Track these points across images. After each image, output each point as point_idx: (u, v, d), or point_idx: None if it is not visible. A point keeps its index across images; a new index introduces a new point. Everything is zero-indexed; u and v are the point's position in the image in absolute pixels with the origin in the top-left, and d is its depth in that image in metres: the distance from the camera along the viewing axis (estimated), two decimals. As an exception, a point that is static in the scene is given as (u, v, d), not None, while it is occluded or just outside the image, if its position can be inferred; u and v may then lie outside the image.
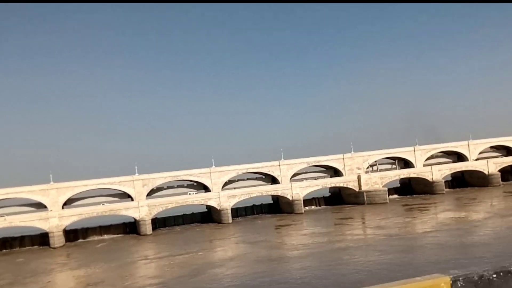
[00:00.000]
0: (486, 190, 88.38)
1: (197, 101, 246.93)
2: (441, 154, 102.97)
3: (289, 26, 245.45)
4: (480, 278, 5.06)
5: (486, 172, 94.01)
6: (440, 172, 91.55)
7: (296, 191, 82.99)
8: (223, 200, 78.77)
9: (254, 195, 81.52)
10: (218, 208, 78.58)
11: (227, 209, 77.56)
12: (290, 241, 54.45)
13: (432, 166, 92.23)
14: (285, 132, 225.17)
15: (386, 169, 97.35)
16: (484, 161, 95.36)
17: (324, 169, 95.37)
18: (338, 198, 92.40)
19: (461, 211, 64.06)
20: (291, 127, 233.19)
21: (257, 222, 77.16)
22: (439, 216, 63.10)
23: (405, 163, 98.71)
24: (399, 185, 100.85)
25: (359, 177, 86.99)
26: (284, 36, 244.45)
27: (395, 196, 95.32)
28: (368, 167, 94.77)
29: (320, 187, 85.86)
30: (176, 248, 56.94)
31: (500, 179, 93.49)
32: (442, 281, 5.00)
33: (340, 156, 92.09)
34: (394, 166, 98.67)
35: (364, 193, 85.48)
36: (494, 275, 5.09)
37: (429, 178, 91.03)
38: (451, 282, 5.00)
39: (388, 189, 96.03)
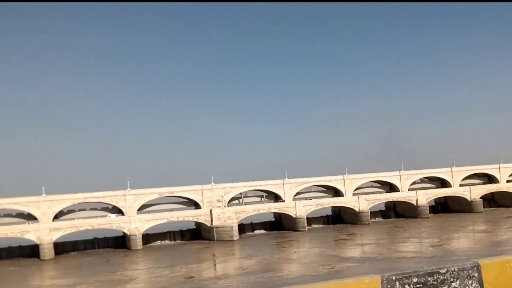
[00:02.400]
0: (352, 227, 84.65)
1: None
2: (316, 188, 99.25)
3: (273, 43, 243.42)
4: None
5: (357, 209, 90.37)
6: (305, 208, 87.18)
7: (135, 224, 76.50)
8: (44, 233, 71.38)
9: (83, 228, 74.47)
10: (37, 242, 71.16)
11: (43, 244, 70.11)
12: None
13: (296, 202, 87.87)
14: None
15: (253, 202, 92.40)
16: (356, 196, 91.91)
17: (186, 200, 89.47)
18: (198, 233, 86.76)
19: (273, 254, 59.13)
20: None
21: (80, 259, 70.00)
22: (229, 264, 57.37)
23: (276, 197, 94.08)
24: (273, 219, 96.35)
25: (211, 211, 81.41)
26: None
27: (262, 231, 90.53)
28: (230, 200, 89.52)
29: (164, 221, 79.63)
30: None
31: (368, 216, 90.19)
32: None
33: (199, 187, 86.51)
34: (263, 199, 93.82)
35: (214, 229, 79.93)
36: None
37: (292, 214, 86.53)
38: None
39: (256, 224, 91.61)
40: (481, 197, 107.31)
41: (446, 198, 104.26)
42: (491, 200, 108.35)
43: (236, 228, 79.19)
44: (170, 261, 62.45)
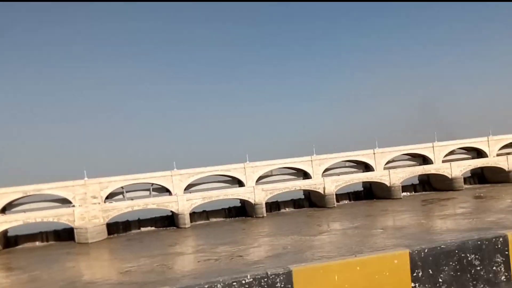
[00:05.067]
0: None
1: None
2: (218, 177, 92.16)
3: (292, 18, 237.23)
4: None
5: (252, 201, 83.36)
6: (189, 202, 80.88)
7: (-16, 228, 72.04)
8: None
9: None
10: None
11: None
12: None
13: (179, 196, 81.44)
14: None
15: (140, 197, 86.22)
16: (251, 187, 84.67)
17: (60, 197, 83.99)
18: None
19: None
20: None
21: None
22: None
23: (168, 190, 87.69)
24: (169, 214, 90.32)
25: (74, 210, 76.10)
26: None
27: (151, 228, 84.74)
28: (110, 196, 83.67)
29: (20, 222, 74.70)
30: None
31: (263, 209, 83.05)
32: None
33: (70, 183, 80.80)
34: (152, 193, 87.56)
35: (75, 230, 74.77)
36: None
37: (174, 209, 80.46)
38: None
39: (145, 220, 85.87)
40: (418, 181, 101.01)
41: (371, 184, 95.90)
42: (426, 183, 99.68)
43: (98, 229, 74.22)
44: None
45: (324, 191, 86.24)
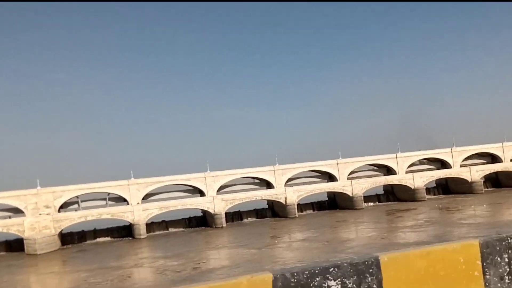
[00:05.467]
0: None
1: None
2: (178, 187, 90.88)
3: (282, 27, 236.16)
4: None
5: (212, 211, 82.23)
6: (145, 212, 79.28)
7: None
8: None
9: None
10: None
11: None
12: None
13: (134, 206, 79.83)
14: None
15: (95, 206, 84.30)
16: (211, 197, 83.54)
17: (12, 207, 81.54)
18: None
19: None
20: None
21: None
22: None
23: (125, 200, 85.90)
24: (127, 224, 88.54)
25: (24, 221, 73.84)
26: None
27: (107, 238, 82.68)
28: (64, 205, 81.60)
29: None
30: None
31: (222, 219, 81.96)
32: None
33: (22, 192, 78.53)
34: (108, 202, 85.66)
35: (24, 241, 72.49)
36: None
37: (130, 219, 78.77)
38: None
39: (101, 231, 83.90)
40: (383, 191, 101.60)
41: (335, 194, 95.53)
42: (390, 193, 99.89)
43: (48, 240, 71.73)
44: None
45: (286, 201, 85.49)
